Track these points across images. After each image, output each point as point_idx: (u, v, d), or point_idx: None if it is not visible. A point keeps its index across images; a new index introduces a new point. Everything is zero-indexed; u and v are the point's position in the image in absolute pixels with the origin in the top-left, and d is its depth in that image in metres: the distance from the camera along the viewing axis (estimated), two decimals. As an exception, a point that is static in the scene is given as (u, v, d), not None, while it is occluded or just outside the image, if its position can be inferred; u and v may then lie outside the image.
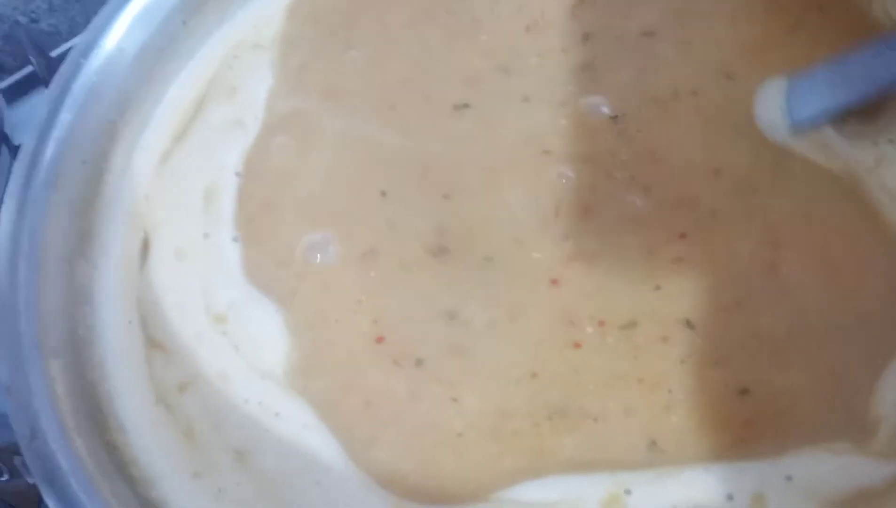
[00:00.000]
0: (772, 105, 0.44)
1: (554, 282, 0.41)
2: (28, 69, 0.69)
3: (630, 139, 0.45)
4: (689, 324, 0.39)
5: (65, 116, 0.44)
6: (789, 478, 0.36)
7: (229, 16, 0.51)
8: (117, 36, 0.47)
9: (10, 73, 0.71)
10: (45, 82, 0.65)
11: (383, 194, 0.44)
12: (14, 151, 0.62)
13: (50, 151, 0.44)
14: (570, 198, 0.44)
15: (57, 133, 0.44)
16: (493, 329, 0.41)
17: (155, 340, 0.42)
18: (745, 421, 0.37)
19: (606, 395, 0.39)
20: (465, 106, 0.46)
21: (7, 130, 0.63)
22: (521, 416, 0.38)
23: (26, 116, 0.66)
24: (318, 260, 0.43)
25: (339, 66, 0.49)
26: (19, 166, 0.43)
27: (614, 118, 0.45)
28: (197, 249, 0.44)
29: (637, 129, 0.45)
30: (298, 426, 0.39)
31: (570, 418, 0.38)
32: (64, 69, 0.45)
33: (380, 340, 0.40)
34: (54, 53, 0.69)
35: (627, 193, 0.43)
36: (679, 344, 0.39)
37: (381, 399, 0.39)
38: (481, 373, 0.40)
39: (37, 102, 0.66)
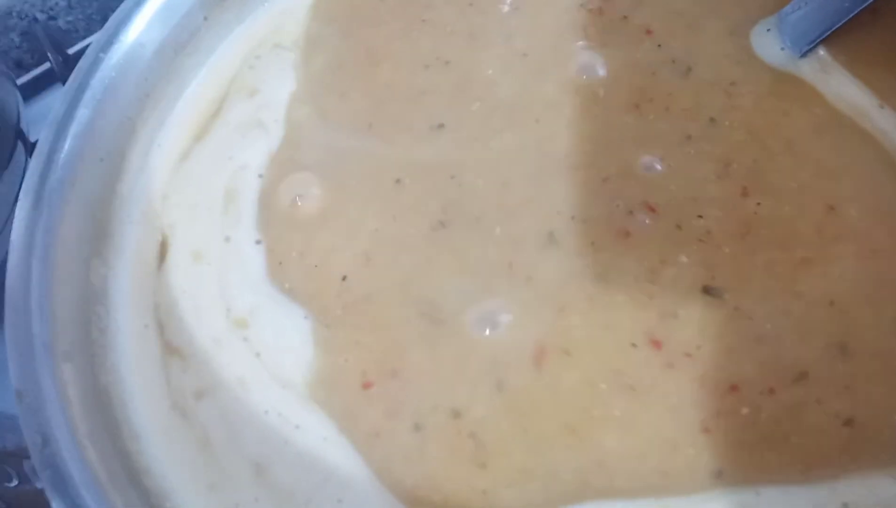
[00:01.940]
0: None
1: (670, 366, 0.36)
2: (45, 66, 0.69)
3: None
4: (844, 350, 0.35)
5: (82, 112, 0.43)
6: (846, 505, 0.34)
7: (249, 12, 0.50)
8: (137, 30, 0.46)
9: (28, 69, 0.71)
10: (63, 79, 0.64)
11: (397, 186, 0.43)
12: (31, 147, 0.62)
13: (67, 147, 0.43)
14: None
15: (74, 129, 0.43)
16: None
17: (172, 344, 0.41)
18: (825, 450, 0.35)
19: (699, 450, 0.34)
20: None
21: (24, 126, 0.62)
22: (568, 474, 0.35)
23: (43, 112, 0.66)
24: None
25: (337, 76, 0.47)
26: (35, 163, 0.42)
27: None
28: (217, 251, 0.43)
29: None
30: (319, 439, 0.37)
31: (637, 481, 0.34)
32: (83, 64, 0.44)
33: (367, 385, 0.38)
34: (72, 50, 0.69)
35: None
36: (824, 382, 0.34)
37: (389, 435, 0.37)
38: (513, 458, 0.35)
39: (54, 99, 0.65)
